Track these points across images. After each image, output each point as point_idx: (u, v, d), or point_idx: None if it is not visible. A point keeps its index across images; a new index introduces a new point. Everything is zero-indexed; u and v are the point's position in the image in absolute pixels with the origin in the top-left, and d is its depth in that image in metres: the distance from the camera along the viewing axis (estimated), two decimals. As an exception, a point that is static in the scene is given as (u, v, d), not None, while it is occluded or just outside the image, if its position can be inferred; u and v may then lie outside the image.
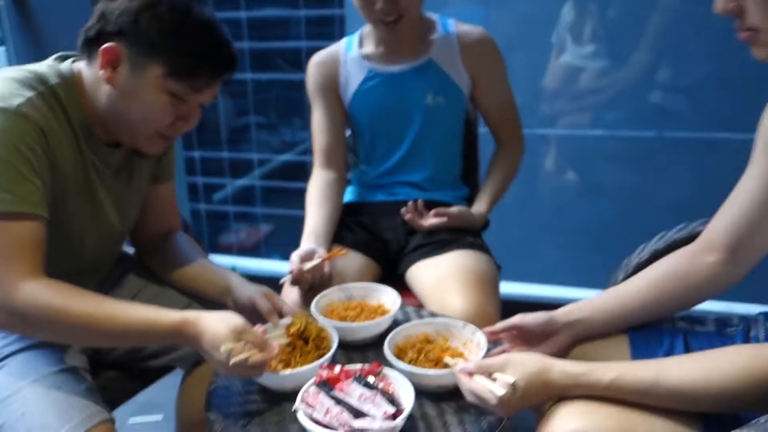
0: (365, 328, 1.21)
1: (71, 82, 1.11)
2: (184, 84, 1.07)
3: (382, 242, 1.62)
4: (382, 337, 1.15)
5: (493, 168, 1.65)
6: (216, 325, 1.00)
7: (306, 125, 1.78)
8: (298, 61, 3.20)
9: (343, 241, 1.59)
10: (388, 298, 1.31)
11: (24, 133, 1.00)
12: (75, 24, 2.00)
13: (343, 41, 1.67)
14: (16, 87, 1.03)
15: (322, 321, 1.21)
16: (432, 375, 1.03)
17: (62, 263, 1.08)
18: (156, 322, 1.01)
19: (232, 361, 0.96)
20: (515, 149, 1.66)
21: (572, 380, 0.86)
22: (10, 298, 0.96)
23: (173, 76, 1.06)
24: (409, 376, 1.01)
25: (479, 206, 1.58)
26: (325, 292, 1.33)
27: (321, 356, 1.08)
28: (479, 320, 1.23)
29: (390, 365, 1.05)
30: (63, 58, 1.15)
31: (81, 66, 1.12)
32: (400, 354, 1.09)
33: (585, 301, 1.07)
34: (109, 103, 1.09)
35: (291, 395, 1.00)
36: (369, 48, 1.62)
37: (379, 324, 1.22)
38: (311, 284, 1.38)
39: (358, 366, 1.03)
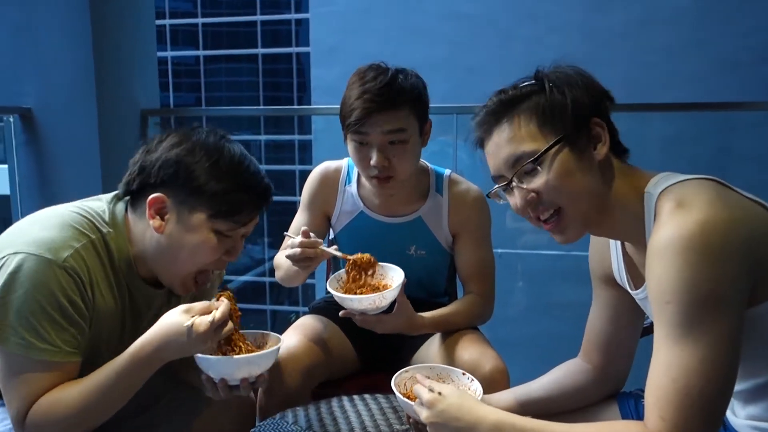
0: (364, 300, 1.35)
1: (121, 227, 1.16)
2: (229, 221, 1.12)
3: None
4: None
5: (456, 301, 1.63)
6: (165, 320, 1.07)
7: (273, 245, 1.92)
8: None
9: (326, 315, 1.67)
10: (396, 275, 1.42)
11: (66, 286, 1.05)
12: (80, 141, 2.36)
13: (344, 168, 1.68)
14: (69, 235, 1.08)
15: (335, 294, 1.38)
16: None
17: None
18: (124, 360, 1.06)
19: (202, 327, 1.02)
20: (479, 303, 1.62)
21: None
22: (23, 426, 1.06)
23: (218, 216, 1.11)
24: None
25: (424, 314, 1.53)
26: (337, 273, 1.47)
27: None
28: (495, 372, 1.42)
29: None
30: (120, 197, 1.20)
31: (130, 210, 1.17)
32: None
33: (508, 391, 1.25)
34: (158, 250, 1.13)
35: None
36: (365, 191, 1.64)
37: (379, 297, 1.35)
38: (306, 266, 1.39)
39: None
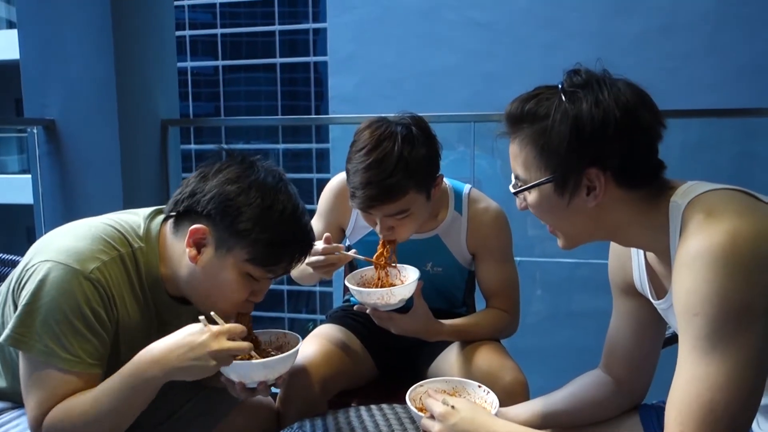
0: (373, 294, 1.38)
1: (155, 245, 1.15)
2: (263, 269, 1.12)
3: (386, 337, 1.55)
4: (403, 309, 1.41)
5: (480, 312, 1.62)
6: (183, 329, 1.06)
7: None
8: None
9: (344, 324, 1.67)
10: (410, 275, 1.46)
11: (91, 297, 1.05)
12: (102, 151, 2.44)
13: None
14: (98, 248, 1.09)
15: (349, 286, 1.42)
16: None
17: None
18: (122, 373, 1.05)
19: (215, 328, 1.03)
20: (504, 317, 1.59)
21: None
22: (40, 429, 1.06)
23: (254, 261, 1.10)
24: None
25: (443, 321, 1.51)
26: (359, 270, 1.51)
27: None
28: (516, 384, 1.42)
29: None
30: (157, 213, 1.20)
31: (167, 228, 1.17)
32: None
33: (527, 404, 1.25)
34: (189, 278, 1.13)
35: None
36: None
37: (387, 293, 1.37)
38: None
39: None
